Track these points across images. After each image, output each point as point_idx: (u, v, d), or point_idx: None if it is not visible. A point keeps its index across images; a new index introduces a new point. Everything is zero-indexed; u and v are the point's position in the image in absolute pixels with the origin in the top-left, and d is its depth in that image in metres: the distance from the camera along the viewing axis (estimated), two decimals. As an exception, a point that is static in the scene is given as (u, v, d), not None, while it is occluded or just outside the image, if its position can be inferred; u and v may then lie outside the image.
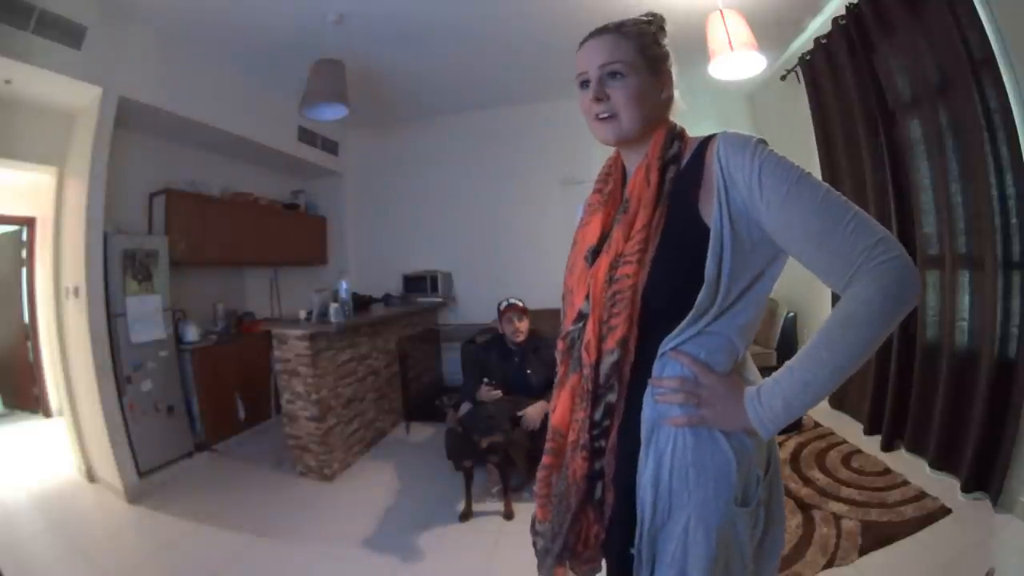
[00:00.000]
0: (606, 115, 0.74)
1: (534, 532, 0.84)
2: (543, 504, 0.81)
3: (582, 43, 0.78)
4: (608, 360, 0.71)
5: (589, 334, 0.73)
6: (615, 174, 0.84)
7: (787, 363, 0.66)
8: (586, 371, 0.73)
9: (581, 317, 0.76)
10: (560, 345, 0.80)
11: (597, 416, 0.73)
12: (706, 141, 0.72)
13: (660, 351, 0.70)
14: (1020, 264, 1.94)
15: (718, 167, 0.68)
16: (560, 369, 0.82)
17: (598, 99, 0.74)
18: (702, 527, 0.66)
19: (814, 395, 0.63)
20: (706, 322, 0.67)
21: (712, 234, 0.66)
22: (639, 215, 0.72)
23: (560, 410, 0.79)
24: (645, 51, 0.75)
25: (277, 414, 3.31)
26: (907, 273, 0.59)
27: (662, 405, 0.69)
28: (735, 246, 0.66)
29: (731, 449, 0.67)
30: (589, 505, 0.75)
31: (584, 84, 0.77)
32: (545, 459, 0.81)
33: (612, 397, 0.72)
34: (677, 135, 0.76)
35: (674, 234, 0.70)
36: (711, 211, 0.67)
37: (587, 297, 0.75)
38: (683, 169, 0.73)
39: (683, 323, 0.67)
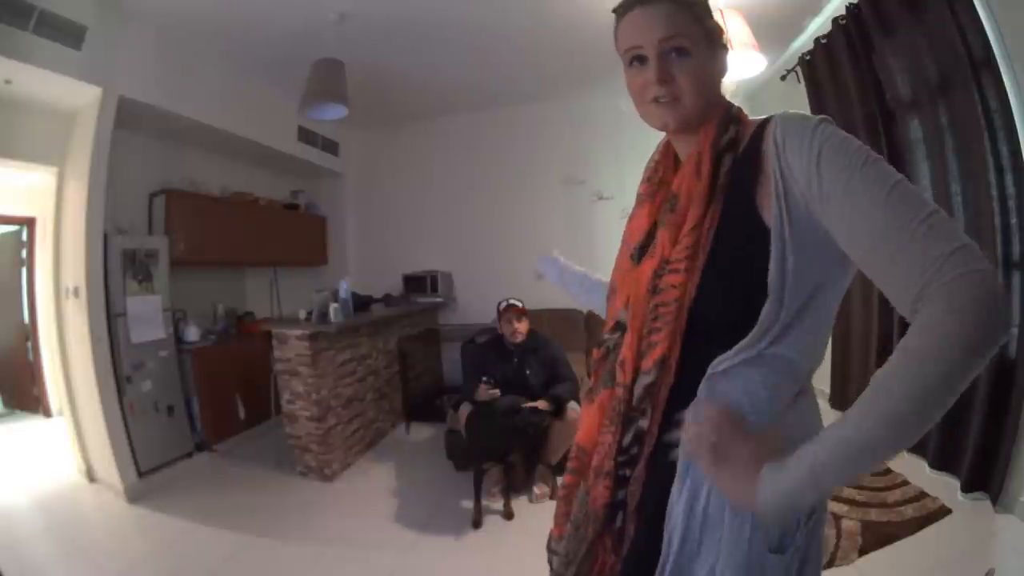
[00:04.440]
0: (667, 99, 0.63)
1: (550, 550, 0.79)
2: (561, 523, 0.76)
3: (625, 10, 0.65)
4: (643, 380, 0.63)
5: (626, 350, 0.65)
6: (665, 161, 0.74)
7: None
8: (619, 391, 0.66)
9: (619, 327, 0.69)
10: (595, 353, 0.73)
11: (625, 442, 0.65)
12: (764, 124, 0.61)
13: (709, 371, 0.60)
14: (1020, 264, 1.94)
15: (775, 153, 0.57)
16: (591, 380, 0.74)
17: (664, 80, 0.62)
18: (730, 572, 0.59)
19: (857, 457, 0.48)
20: (767, 342, 0.57)
21: (772, 236, 0.56)
22: (688, 214, 0.62)
23: (586, 428, 0.72)
24: (704, 23, 0.64)
25: (277, 414, 3.31)
26: (989, 293, 0.44)
27: None
28: (798, 250, 0.55)
29: None
30: (607, 534, 0.68)
31: (637, 60, 0.65)
32: (566, 478, 0.75)
33: (644, 423, 0.63)
34: (734, 118, 0.65)
35: (729, 236, 0.59)
36: (771, 207, 0.56)
37: (626, 305, 0.68)
38: (740, 157, 0.62)
39: (743, 342, 0.57)
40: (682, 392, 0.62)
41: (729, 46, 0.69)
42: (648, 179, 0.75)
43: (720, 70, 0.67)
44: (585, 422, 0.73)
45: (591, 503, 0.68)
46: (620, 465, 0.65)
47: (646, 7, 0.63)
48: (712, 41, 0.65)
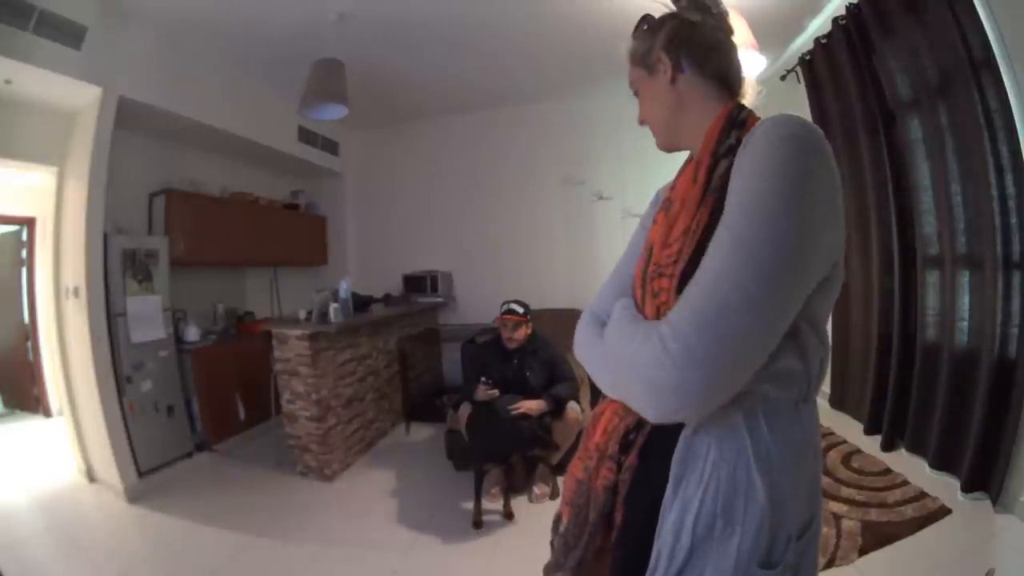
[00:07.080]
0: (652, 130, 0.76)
1: (556, 531, 0.80)
2: (567, 502, 0.78)
3: None
4: None
5: None
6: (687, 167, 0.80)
7: None
8: None
9: None
10: None
11: (631, 427, 0.68)
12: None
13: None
14: (1020, 264, 1.94)
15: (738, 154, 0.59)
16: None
17: (640, 121, 0.77)
18: None
19: None
20: None
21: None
22: (679, 219, 0.65)
23: (604, 421, 0.74)
24: (641, 59, 0.73)
25: (277, 414, 3.31)
26: (661, 385, 0.52)
27: (696, 446, 0.60)
28: None
29: (768, 501, 0.57)
30: (602, 521, 0.70)
31: None
32: (577, 462, 0.77)
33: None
34: (738, 123, 0.65)
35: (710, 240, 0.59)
36: None
37: (639, 307, 0.71)
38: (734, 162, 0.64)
39: None
40: None
41: (662, 61, 0.71)
42: (672, 185, 0.78)
43: (672, 83, 0.70)
44: (604, 416, 0.74)
45: (592, 484, 0.71)
46: (621, 449, 0.68)
47: None
48: (649, 67, 0.72)
